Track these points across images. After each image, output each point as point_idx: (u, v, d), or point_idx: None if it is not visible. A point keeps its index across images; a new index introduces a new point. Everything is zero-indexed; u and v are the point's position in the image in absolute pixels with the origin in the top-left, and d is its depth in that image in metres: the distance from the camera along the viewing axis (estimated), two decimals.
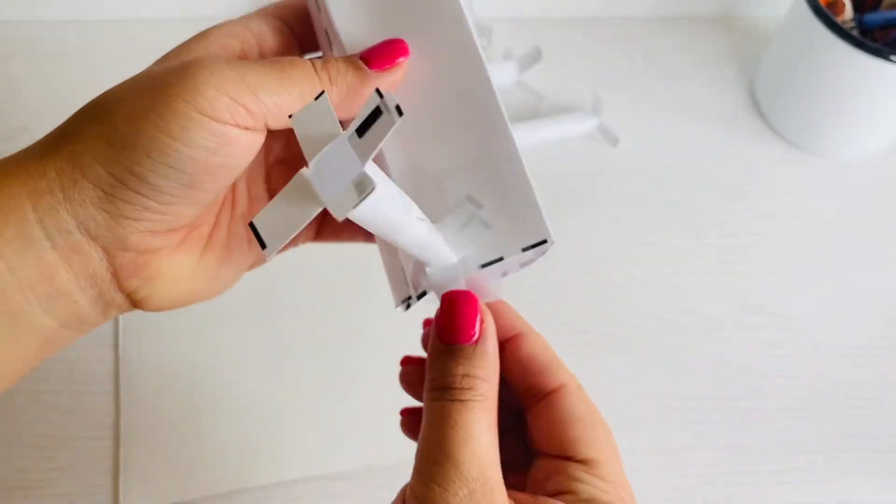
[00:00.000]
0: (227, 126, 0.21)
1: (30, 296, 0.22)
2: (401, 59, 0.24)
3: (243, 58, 0.25)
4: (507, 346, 0.25)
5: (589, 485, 0.23)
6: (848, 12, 0.47)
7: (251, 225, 0.19)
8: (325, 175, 0.19)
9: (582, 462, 0.23)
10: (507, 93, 0.52)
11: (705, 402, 0.41)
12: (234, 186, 0.27)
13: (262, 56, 0.26)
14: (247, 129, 0.22)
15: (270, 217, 0.19)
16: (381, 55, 0.24)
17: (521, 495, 0.23)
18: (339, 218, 0.18)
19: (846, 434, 0.41)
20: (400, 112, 0.18)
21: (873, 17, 0.47)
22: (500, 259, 0.23)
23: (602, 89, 0.52)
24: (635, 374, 0.42)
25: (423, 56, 0.25)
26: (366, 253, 0.31)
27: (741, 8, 0.57)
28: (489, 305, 0.24)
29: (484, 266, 0.23)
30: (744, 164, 0.50)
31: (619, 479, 0.23)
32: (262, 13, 0.26)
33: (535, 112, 0.51)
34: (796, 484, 0.39)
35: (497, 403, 0.23)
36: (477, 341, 0.23)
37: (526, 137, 0.49)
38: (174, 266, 0.24)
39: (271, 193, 0.28)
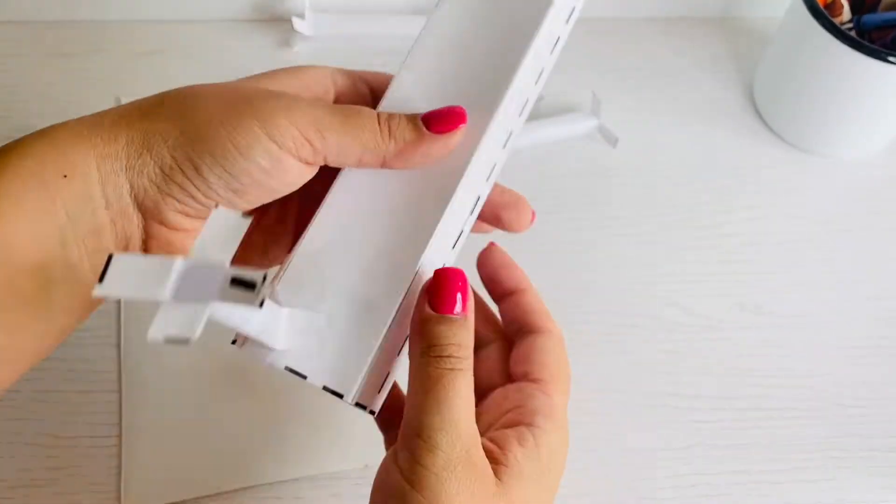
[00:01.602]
0: (288, 155, 0.25)
1: (83, 249, 0.24)
2: (460, 126, 0.27)
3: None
4: (514, 296, 0.30)
5: (536, 404, 0.27)
6: (846, 13, 0.48)
7: (110, 256, 0.20)
8: (185, 282, 0.19)
9: (537, 383, 0.28)
10: None
11: (704, 402, 0.41)
12: None
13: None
14: (306, 162, 0.26)
15: (127, 264, 0.20)
16: (442, 119, 0.27)
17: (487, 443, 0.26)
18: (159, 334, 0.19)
19: (845, 434, 0.41)
20: (261, 305, 0.19)
21: (871, 19, 0.48)
22: (304, 377, 0.24)
23: (601, 90, 0.52)
24: (634, 374, 0.42)
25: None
26: None
27: (740, 9, 0.57)
28: (506, 262, 0.31)
29: (287, 369, 0.24)
30: (742, 164, 0.50)
31: (560, 410, 0.28)
32: (352, 72, 0.31)
33: (534, 112, 0.51)
34: (795, 483, 0.39)
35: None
36: (465, 314, 0.25)
37: (525, 138, 0.49)
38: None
39: (290, 217, 0.31)
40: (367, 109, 0.27)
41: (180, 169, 0.24)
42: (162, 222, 0.25)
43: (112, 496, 0.36)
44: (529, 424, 0.26)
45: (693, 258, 0.46)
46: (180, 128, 0.24)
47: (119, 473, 0.37)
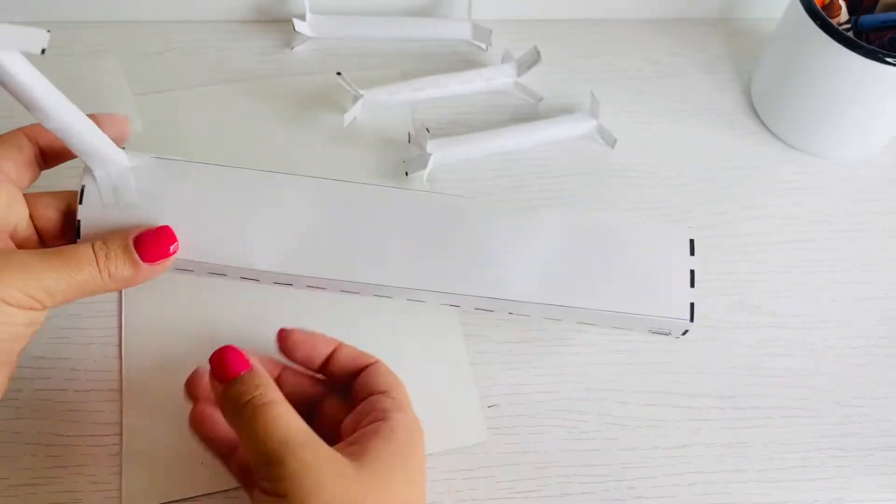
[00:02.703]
0: (33, 311, 0.29)
1: None
2: (171, 248, 0.32)
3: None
4: (332, 356, 0.35)
5: (386, 404, 0.32)
6: (844, 14, 0.48)
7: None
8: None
9: (383, 393, 0.33)
10: (506, 94, 0.52)
11: (704, 402, 0.41)
12: None
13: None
14: (34, 310, 0.29)
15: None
16: (153, 245, 0.31)
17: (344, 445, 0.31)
18: None
19: (844, 433, 0.41)
20: None
21: (869, 19, 0.48)
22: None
23: (600, 90, 0.53)
24: (633, 374, 0.42)
25: None
26: None
27: (738, 10, 0.58)
28: (302, 340, 0.35)
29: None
30: (740, 165, 0.50)
31: (406, 405, 0.33)
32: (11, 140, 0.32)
33: (533, 114, 0.51)
34: (795, 483, 0.39)
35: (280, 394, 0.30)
36: (248, 368, 0.30)
37: (523, 139, 0.49)
38: None
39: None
40: (83, 252, 0.30)
41: None
42: None
43: (113, 495, 0.36)
44: (383, 419, 0.31)
45: (693, 258, 0.46)
46: None
47: (120, 472, 0.37)
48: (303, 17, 0.52)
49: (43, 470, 0.37)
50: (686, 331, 0.37)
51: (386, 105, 0.50)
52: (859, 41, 0.44)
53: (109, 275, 0.30)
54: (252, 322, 0.41)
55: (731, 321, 0.44)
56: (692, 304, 0.36)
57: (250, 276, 0.35)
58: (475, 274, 0.35)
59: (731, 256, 0.46)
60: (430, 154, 0.46)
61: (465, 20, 0.54)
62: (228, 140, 0.48)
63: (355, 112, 0.49)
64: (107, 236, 0.31)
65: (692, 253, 0.37)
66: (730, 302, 0.45)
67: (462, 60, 0.54)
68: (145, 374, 0.39)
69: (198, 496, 0.37)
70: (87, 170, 0.32)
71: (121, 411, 0.38)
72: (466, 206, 0.36)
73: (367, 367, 0.35)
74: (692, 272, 0.36)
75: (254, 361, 0.31)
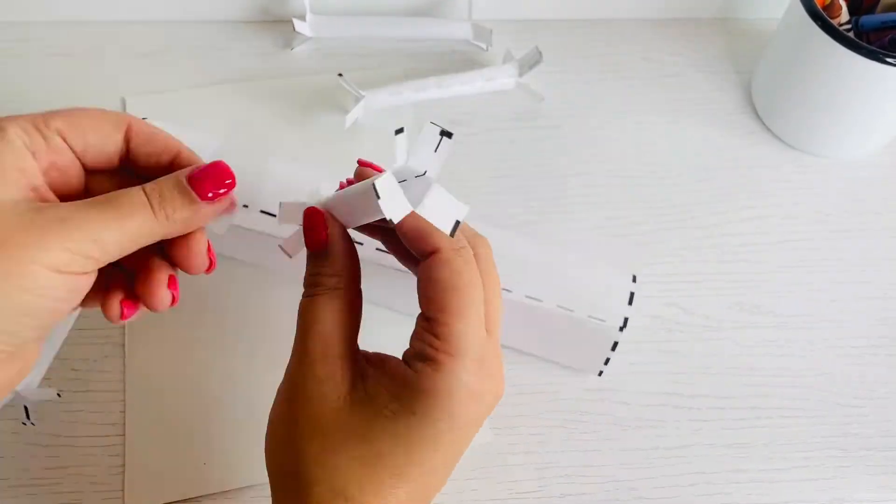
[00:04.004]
0: (78, 276, 0.24)
1: None
2: (228, 182, 0.27)
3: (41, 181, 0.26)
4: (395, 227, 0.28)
5: (421, 339, 0.27)
6: (844, 15, 0.48)
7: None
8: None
9: (426, 319, 0.27)
10: (508, 94, 0.52)
11: (704, 402, 0.41)
12: None
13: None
14: (92, 274, 0.25)
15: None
16: (211, 182, 0.27)
17: (383, 357, 0.28)
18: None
19: (844, 433, 0.41)
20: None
21: (869, 20, 0.48)
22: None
23: (600, 90, 0.53)
24: (633, 374, 0.42)
25: None
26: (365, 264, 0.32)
27: (738, 10, 0.58)
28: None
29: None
30: (741, 165, 0.50)
31: (455, 334, 0.26)
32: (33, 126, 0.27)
33: (534, 114, 0.51)
34: (795, 483, 0.39)
35: (353, 287, 0.28)
36: (324, 246, 0.28)
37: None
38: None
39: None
40: (135, 196, 0.26)
41: None
42: None
43: (113, 495, 0.36)
44: (416, 377, 0.27)
45: (693, 258, 0.46)
46: None
47: (121, 472, 0.37)
48: (303, 18, 0.52)
49: (43, 471, 0.37)
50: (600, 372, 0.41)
51: (388, 106, 0.50)
52: (860, 41, 0.44)
53: (167, 217, 0.26)
54: (254, 322, 0.41)
55: (731, 321, 0.44)
56: (607, 359, 0.40)
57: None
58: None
59: (731, 256, 0.46)
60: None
61: (465, 20, 0.54)
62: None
63: (357, 113, 0.49)
64: (158, 178, 0.27)
65: (622, 329, 0.38)
66: (730, 302, 0.45)
67: (462, 60, 0.54)
68: (148, 374, 0.39)
69: (200, 497, 0.37)
70: None
71: (123, 411, 0.38)
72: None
73: (430, 254, 0.27)
74: (615, 343, 0.39)
75: (333, 236, 0.28)
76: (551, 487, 0.38)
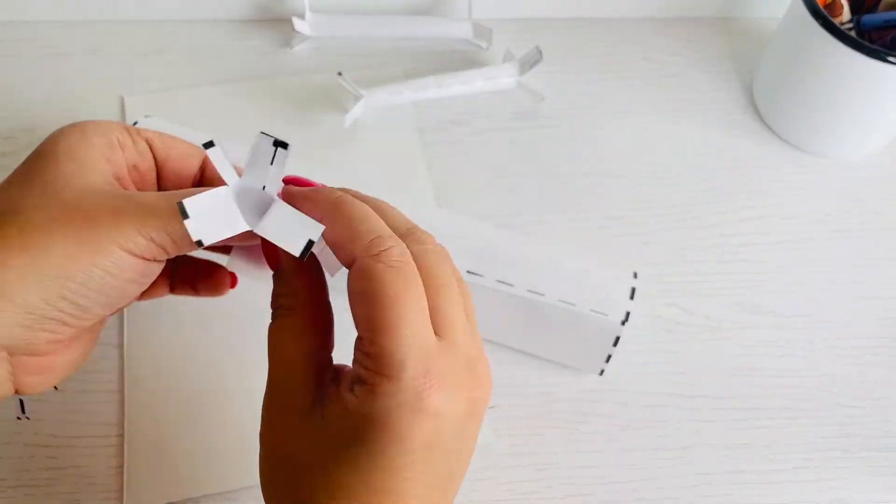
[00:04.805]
0: (149, 262, 0.26)
1: None
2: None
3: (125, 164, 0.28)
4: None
5: (356, 361, 0.24)
6: (846, 14, 0.48)
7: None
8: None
9: (359, 338, 0.24)
10: (508, 94, 0.52)
11: (704, 402, 0.41)
12: None
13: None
14: (162, 262, 0.26)
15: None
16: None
17: (346, 372, 0.26)
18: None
19: (844, 433, 0.41)
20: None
21: (871, 19, 0.48)
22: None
23: (600, 89, 0.53)
24: (634, 374, 0.42)
25: None
26: None
27: (739, 9, 0.57)
28: (338, 210, 0.26)
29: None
30: (742, 164, 0.50)
31: (387, 352, 0.23)
32: (133, 132, 0.29)
33: (535, 113, 0.51)
34: (795, 483, 0.39)
35: (313, 305, 0.26)
36: (278, 265, 0.26)
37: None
38: (62, 358, 0.27)
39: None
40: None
41: (54, 307, 0.24)
42: (32, 353, 0.26)
43: (111, 496, 0.36)
44: (354, 399, 0.24)
45: (693, 258, 0.46)
46: (38, 270, 0.24)
47: (119, 473, 0.37)
48: (302, 16, 0.52)
49: (41, 471, 0.37)
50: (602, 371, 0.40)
51: (387, 105, 0.50)
52: (861, 40, 0.44)
53: None
54: (254, 322, 0.41)
55: (732, 321, 0.44)
56: (609, 356, 0.39)
57: None
58: None
59: (731, 256, 0.46)
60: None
61: (465, 19, 0.54)
62: (227, 140, 0.48)
63: (357, 112, 0.49)
64: None
65: (624, 322, 0.38)
66: (730, 302, 0.45)
67: (462, 59, 0.54)
68: (147, 373, 0.39)
69: (199, 497, 0.36)
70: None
71: (122, 412, 0.38)
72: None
73: (350, 265, 0.25)
74: (617, 337, 0.38)
75: (286, 262, 0.26)
76: (552, 488, 0.38)
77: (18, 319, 0.24)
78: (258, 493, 0.37)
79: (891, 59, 0.43)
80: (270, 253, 0.26)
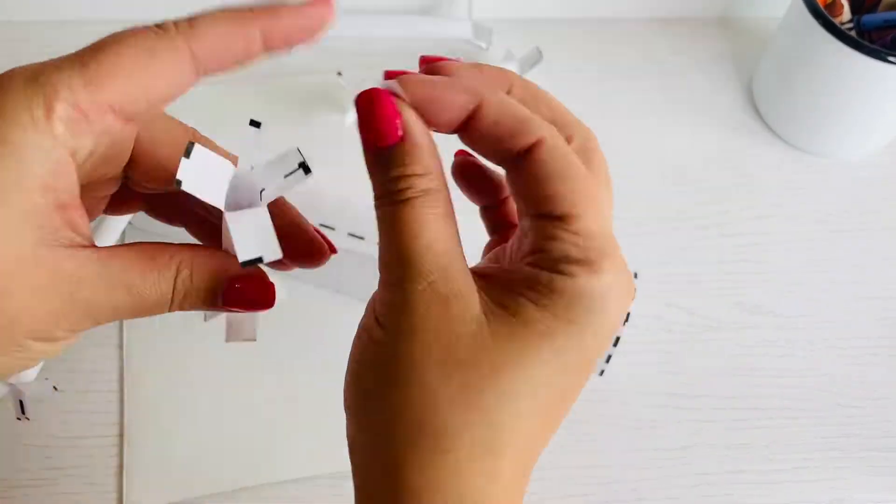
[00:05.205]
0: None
1: None
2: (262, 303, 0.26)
3: None
4: (470, 122, 0.23)
5: (560, 241, 0.22)
6: (846, 13, 0.48)
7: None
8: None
9: (558, 218, 0.22)
10: None
11: (704, 402, 0.41)
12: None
13: None
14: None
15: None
16: (251, 303, 0.26)
17: (491, 270, 0.23)
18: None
19: (845, 433, 0.41)
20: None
21: (871, 19, 0.48)
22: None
23: (601, 89, 0.53)
24: (634, 374, 0.42)
25: None
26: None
27: (740, 9, 0.57)
28: (437, 68, 0.25)
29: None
30: (742, 164, 0.50)
31: (594, 230, 0.22)
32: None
33: None
34: (795, 483, 0.39)
35: (448, 189, 0.22)
36: (402, 138, 0.21)
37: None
38: None
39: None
40: (161, 289, 0.23)
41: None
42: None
43: (111, 496, 0.36)
44: (549, 291, 0.21)
45: (693, 258, 0.46)
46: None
47: (119, 473, 0.37)
48: None
49: (40, 471, 0.37)
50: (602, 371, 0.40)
51: None
52: (861, 40, 0.44)
53: (179, 308, 0.24)
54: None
55: (732, 321, 0.44)
56: (609, 356, 0.39)
57: None
58: None
59: (731, 256, 0.46)
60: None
61: (465, 19, 0.54)
62: (227, 141, 0.48)
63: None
64: (197, 264, 0.23)
65: (625, 322, 0.38)
66: (730, 302, 0.45)
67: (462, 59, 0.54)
68: (147, 375, 0.39)
69: (199, 497, 0.36)
70: None
71: (121, 413, 0.38)
72: None
73: (531, 147, 0.22)
74: (617, 339, 0.38)
75: (410, 123, 0.22)
76: (553, 488, 0.38)
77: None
78: (258, 493, 0.37)
79: (891, 59, 0.43)
80: (387, 116, 0.21)
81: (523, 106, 0.23)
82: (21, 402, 0.33)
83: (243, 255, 0.22)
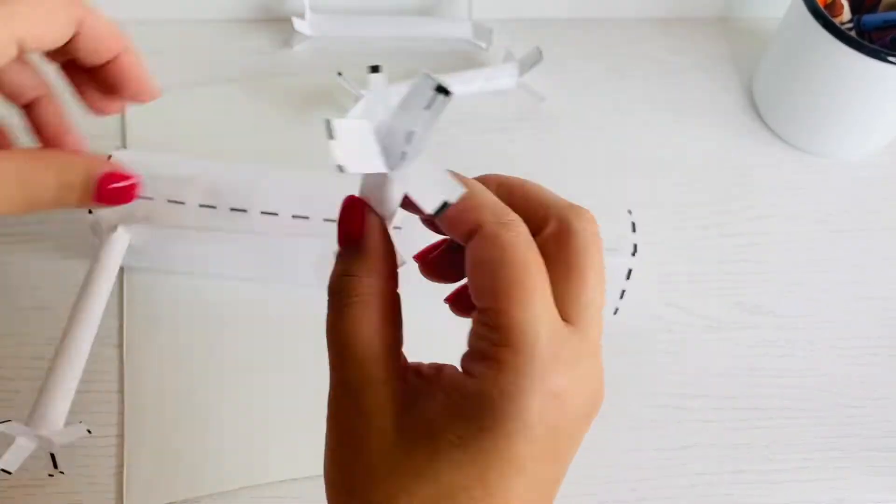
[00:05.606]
0: None
1: None
2: (134, 194, 0.28)
3: None
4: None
5: (478, 337, 0.21)
6: (846, 13, 0.48)
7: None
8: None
9: (481, 312, 0.21)
10: (508, 94, 0.52)
11: (704, 402, 0.41)
12: None
13: None
14: None
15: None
16: (116, 196, 0.27)
17: (426, 370, 0.23)
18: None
19: (844, 433, 0.41)
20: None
21: (871, 19, 0.48)
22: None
23: (601, 90, 0.53)
24: (634, 374, 0.42)
25: None
26: None
27: (740, 9, 0.57)
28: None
29: None
30: (742, 164, 0.50)
31: (514, 327, 0.20)
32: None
33: (535, 112, 0.51)
34: (795, 483, 0.39)
35: (391, 291, 0.23)
36: (358, 239, 0.23)
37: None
38: None
39: None
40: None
41: None
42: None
43: (111, 496, 0.36)
44: (488, 363, 0.21)
45: (693, 258, 0.46)
46: None
47: (120, 473, 0.37)
48: (302, 16, 0.52)
49: (41, 471, 0.37)
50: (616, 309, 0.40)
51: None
52: (861, 40, 0.44)
53: (58, 200, 0.26)
54: (253, 323, 0.41)
55: (732, 321, 0.44)
56: (616, 309, 0.40)
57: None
58: None
59: (731, 256, 0.46)
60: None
61: (465, 19, 0.54)
62: (227, 141, 0.48)
63: (357, 112, 0.49)
64: (72, 162, 0.27)
65: (633, 254, 0.38)
66: (730, 302, 0.45)
67: (462, 59, 0.54)
68: (147, 374, 0.39)
69: (199, 497, 0.36)
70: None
71: (120, 412, 0.38)
72: None
73: (469, 235, 0.22)
74: (622, 292, 0.39)
75: (369, 227, 0.23)
76: None
77: None
78: (257, 493, 0.37)
79: (891, 59, 0.43)
80: (352, 220, 0.23)
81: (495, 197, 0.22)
82: (53, 457, 0.32)
83: (429, 206, 0.20)
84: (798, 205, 0.49)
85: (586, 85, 0.53)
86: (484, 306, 0.21)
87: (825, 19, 0.44)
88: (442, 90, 0.21)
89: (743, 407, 0.41)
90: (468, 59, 0.54)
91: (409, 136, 0.21)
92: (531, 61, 0.51)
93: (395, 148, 0.21)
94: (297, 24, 0.52)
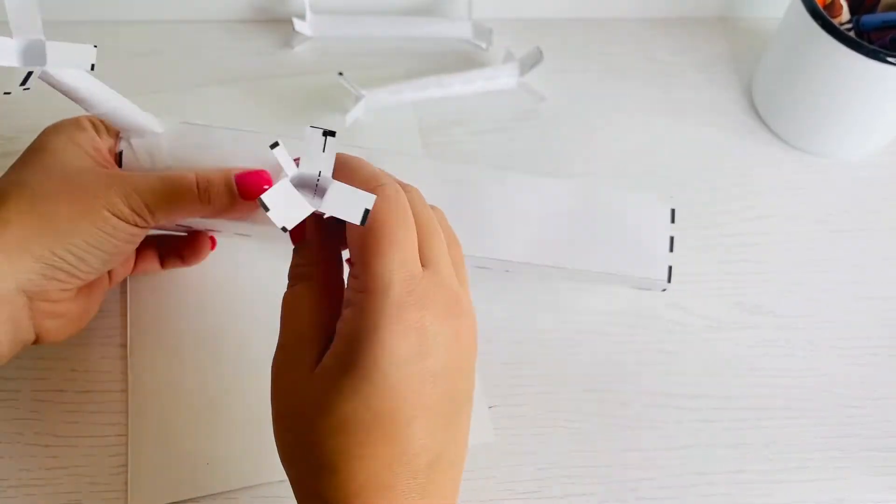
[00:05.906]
0: (131, 226, 0.32)
1: None
2: (266, 188, 0.32)
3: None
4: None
5: (347, 287, 0.27)
6: (845, 14, 0.48)
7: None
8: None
9: (351, 266, 0.27)
10: (509, 94, 0.52)
11: (704, 402, 0.41)
12: None
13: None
14: (143, 227, 0.32)
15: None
16: (252, 187, 0.33)
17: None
18: None
19: (845, 434, 0.41)
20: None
21: (870, 19, 0.48)
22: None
23: (601, 90, 0.53)
24: (634, 374, 0.42)
25: None
26: None
27: (740, 9, 0.58)
28: (344, 164, 0.28)
29: None
30: (741, 165, 0.50)
31: (369, 274, 0.25)
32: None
33: (535, 113, 0.51)
34: (795, 483, 0.39)
35: (329, 275, 0.28)
36: (301, 237, 0.29)
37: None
38: (73, 306, 0.34)
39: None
40: (187, 178, 0.32)
41: (62, 259, 0.31)
42: (47, 299, 0.32)
43: (113, 496, 0.36)
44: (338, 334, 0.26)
45: (693, 258, 0.46)
46: (53, 228, 0.30)
47: (123, 473, 0.37)
48: (303, 17, 0.52)
49: (42, 471, 0.37)
50: (664, 289, 0.42)
51: (388, 105, 0.50)
52: (861, 41, 0.44)
53: (210, 198, 0.32)
54: (258, 323, 0.41)
55: (732, 321, 0.44)
56: (670, 267, 0.40)
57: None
58: (477, 236, 0.37)
59: (731, 256, 0.46)
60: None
61: (465, 19, 0.54)
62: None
63: (357, 112, 0.49)
64: (209, 170, 0.33)
65: (672, 220, 0.41)
66: (730, 302, 0.45)
67: (462, 59, 0.54)
68: (151, 373, 0.39)
69: (203, 496, 0.37)
70: (125, 137, 0.34)
71: (123, 412, 0.38)
72: (469, 173, 0.39)
73: None
74: (671, 238, 0.41)
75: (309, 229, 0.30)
76: (552, 488, 0.38)
77: (35, 268, 0.30)
78: (260, 493, 0.37)
79: (890, 59, 0.43)
80: (295, 229, 0.27)
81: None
82: (30, 72, 0.27)
83: (356, 219, 0.25)
84: (798, 205, 0.49)
85: (586, 85, 0.53)
86: (352, 260, 0.26)
87: (824, 20, 0.44)
88: (328, 133, 0.26)
89: (743, 407, 0.41)
90: (468, 59, 0.54)
91: (319, 176, 0.26)
92: (531, 61, 0.51)
93: (313, 189, 0.26)
94: (298, 24, 0.52)
